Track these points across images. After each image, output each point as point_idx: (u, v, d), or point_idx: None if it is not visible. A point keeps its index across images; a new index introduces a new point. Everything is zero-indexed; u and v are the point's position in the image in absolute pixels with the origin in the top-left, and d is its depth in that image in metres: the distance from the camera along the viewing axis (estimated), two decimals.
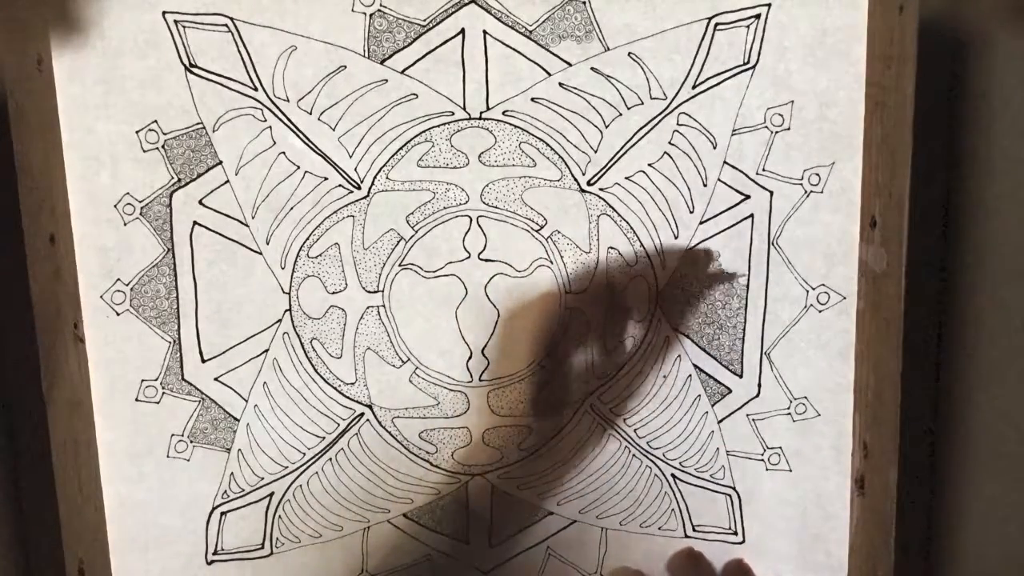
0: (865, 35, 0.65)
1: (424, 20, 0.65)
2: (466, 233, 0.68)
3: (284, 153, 0.66)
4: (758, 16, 0.66)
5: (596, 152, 0.68)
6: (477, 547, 0.73)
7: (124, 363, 0.68)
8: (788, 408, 0.71)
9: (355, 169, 0.67)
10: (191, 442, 0.69)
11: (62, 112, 0.64)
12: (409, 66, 0.65)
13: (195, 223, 0.67)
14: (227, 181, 0.66)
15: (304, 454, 0.70)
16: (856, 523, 0.71)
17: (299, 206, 0.67)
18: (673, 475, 0.72)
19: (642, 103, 0.67)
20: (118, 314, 0.67)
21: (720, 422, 0.71)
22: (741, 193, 0.68)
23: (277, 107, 0.66)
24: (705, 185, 0.68)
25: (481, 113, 0.67)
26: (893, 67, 0.64)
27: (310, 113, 0.66)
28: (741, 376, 0.71)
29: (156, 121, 0.65)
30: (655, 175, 0.68)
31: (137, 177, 0.66)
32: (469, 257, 0.69)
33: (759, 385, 0.71)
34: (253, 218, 0.67)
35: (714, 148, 0.68)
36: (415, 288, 0.69)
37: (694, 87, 0.67)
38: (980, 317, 0.64)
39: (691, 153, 0.68)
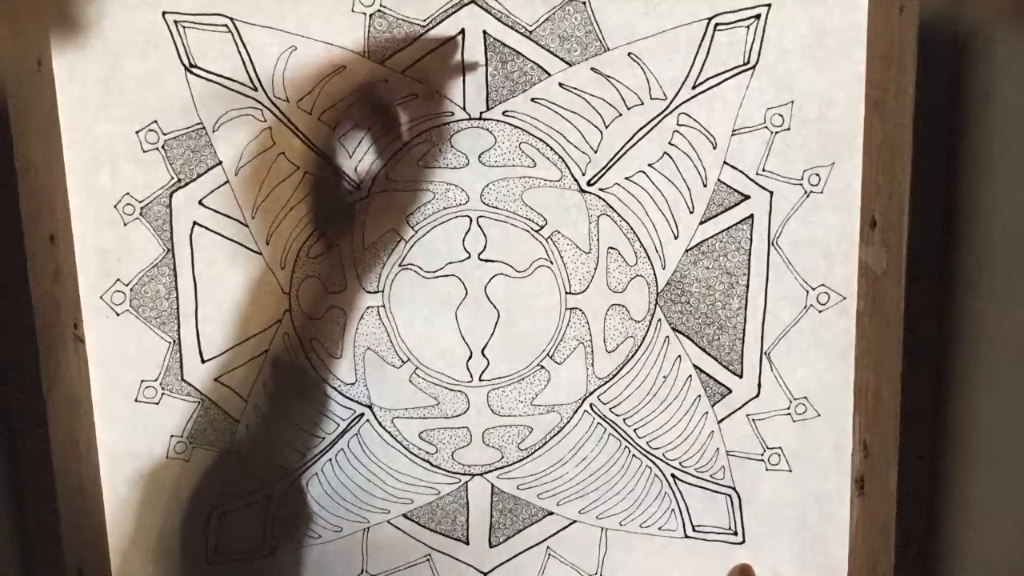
0: (865, 35, 0.65)
1: (424, 20, 0.65)
2: (466, 233, 0.68)
3: (284, 153, 0.66)
4: (758, 16, 0.65)
5: (596, 152, 0.67)
6: (477, 547, 0.73)
7: (124, 363, 0.68)
8: (788, 408, 0.71)
9: (355, 169, 0.67)
10: (190, 443, 0.69)
11: (62, 112, 0.64)
12: (409, 66, 0.65)
13: (195, 223, 0.67)
14: (227, 181, 0.66)
15: (303, 455, 0.70)
16: (856, 523, 0.71)
17: (299, 206, 0.67)
18: (673, 475, 0.72)
19: (642, 103, 0.67)
20: (118, 314, 0.67)
21: (720, 422, 0.71)
22: (741, 193, 0.68)
23: (277, 107, 0.65)
24: (705, 185, 0.68)
25: (481, 113, 0.67)
26: (893, 67, 0.64)
27: (310, 113, 0.66)
28: (741, 376, 0.71)
29: (156, 121, 0.65)
30: (655, 175, 0.68)
31: (137, 177, 0.66)
32: (469, 257, 0.69)
33: (759, 385, 0.71)
34: (253, 218, 0.67)
35: (714, 148, 0.68)
36: (415, 288, 0.69)
37: (694, 87, 0.67)
38: (980, 317, 0.64)
39: (691, 153, 0.68)
